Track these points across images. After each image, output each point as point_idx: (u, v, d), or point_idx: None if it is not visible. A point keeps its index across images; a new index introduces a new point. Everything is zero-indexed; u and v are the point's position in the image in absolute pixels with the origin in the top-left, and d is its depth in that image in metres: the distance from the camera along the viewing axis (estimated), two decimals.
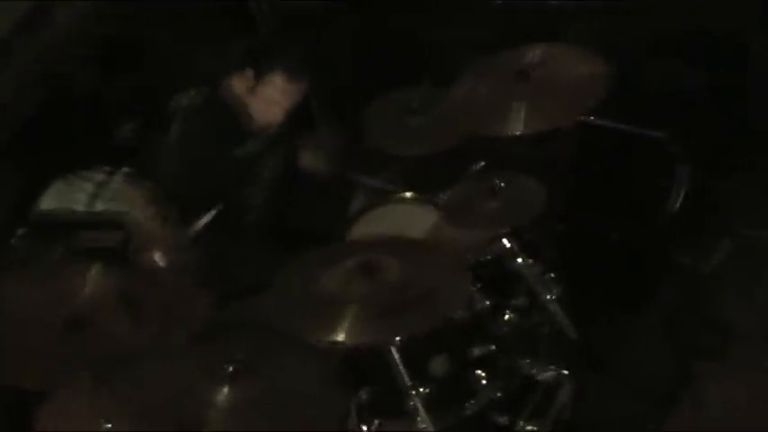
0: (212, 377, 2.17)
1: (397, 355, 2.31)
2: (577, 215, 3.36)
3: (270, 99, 2.90)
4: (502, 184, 2.66)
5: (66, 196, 3.28)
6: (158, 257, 2.83)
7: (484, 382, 2.57)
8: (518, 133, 2.67)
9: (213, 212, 2.86)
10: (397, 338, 2.31)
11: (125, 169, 3.23)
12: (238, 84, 2.91)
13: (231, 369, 2.16)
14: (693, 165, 3.39)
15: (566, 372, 2.70)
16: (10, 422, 2.98)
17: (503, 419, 2.60)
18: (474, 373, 2.58)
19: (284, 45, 2.98)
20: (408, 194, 3.10)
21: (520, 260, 2.71)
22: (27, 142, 3.64)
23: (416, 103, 3.16)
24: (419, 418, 2.37)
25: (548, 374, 2.68)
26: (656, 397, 3.21)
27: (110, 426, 2.20)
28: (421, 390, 2.31)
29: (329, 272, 2.41)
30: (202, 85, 2.93)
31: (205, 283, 2.87)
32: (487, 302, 2.64)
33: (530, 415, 2.61)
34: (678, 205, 3.37)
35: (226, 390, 2.15)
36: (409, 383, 2.30)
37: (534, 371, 2.68)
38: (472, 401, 2.57)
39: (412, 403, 2.32)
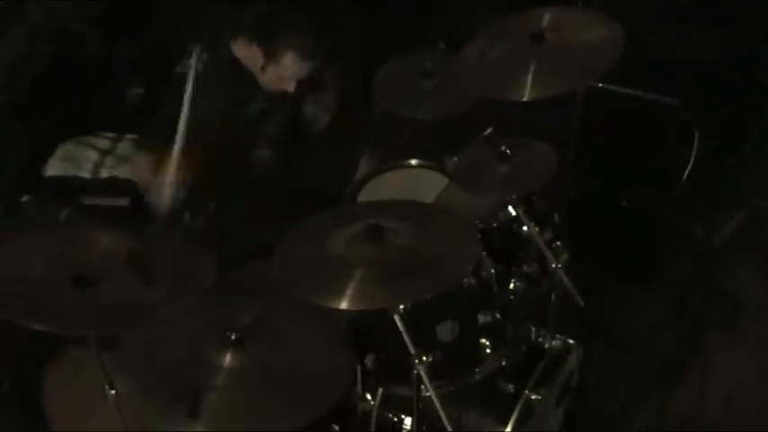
0: (217, 341, 2.16)
1: (400, 323, 2.29)
2: (589, 182, 3.33)
3: (281, 76, 2.89)
4: (508, 151, 2.62)
5: (73, 161, 3.27)
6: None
7: (488, 350, 2.55)
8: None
9: None
10: (402, 306, 2.28)
11: (131, 135, 3.21)
12: (244, 55, 2.88)
13: (234, 335, 2.14)
14: (707, 133, 3.35)
15: (572, 341, 2.69)
16: (19, 384, 3.00)
17: (509, 387, 2.58)
18: (480, 340, 2.56)
19: (294, 18, 2.92)
20: (417, 159, 3.07)
21: (528, 227, 2.68)
22: (36, 102, 3.63)
23: (429, 66, 3.11)
24: (423, 386, 2.36)
25: (555, 343, 2.66)
26: (665, 367, 3.21)
27: (113, 392, 2.19)
28: (424, 358, 2.29)
29: (336, 235, 2.38)
30: (208, 49, 2.89)
31: (213, 244, 2.86)
32: (495, 269, 2.61)
33: (536, 383, 2.59)
34: (690, 174, 3.33)
35: (230, 354, 2.14)
36: (413, 351, 2.28)
37: (541, 339, 2.67)
38: (478, 369, 2.55)
39: (415, 371, 2.31)
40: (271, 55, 2.84)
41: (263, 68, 2.87)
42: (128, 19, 3.92)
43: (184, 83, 2.85)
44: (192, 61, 2.86)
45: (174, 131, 2.85)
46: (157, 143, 2.91)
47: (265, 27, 2.87)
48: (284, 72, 2.88)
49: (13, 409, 2.98)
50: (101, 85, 3.69)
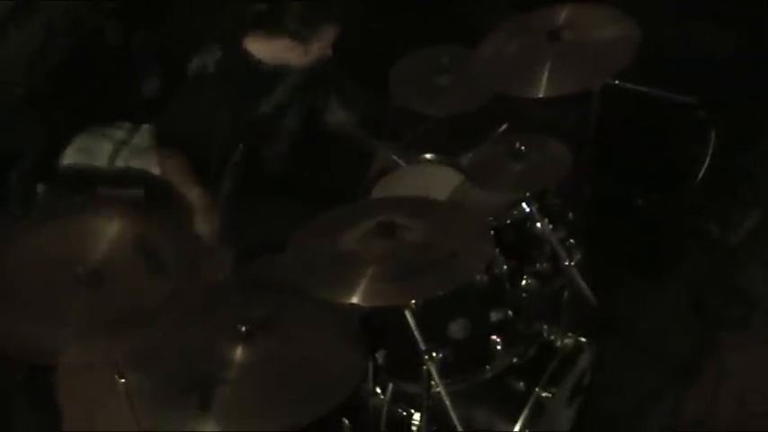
0: (229, 335, 2.16)
1: (412, 319, 2.29)
2: (604, 180, 3.31)
3: (322, 48, 2.90)
4: (522, 148, 2.62)
5: (89, 152, 3.28)
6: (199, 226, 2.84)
7: (500, 348, 2.54)
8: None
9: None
10: (413, 302, 2.28)
11: (147, 126, 3.21)
12: (265, 48, 2.89)
13: (245, 328, 2.14)
14: (723, 131, 3.33)
15: (584, 339, 2.68)
16: (31, 374, 3.02)
17: (520, 385, 2.58)
18: (491, 338, 2.56)
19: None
20: (431, 155, 3.06)
21: (542, 224, 2.67)
22: (53, 94, 3.64)
23: (445, 62, 3.11)
24: (433, 382, 2.36)
25: (566, 341, 2.66)
26: (679, 367, 3.20)
27: (123, 381, 2.20)
28: (435, 354, 2.29)
29: (349, 231, 2.38)
30: (219, 45, 2.89)
31: (226, 238, 2.87)
32: (507, 267, 2.60)
33: (547, 381, 2.59)
34: (706, 172, 3.31)
35: (241, 347, 2.14)
36: (423, 347, 2.28)
37: (553, 337, 2.66)
38: (489, 366, 2.55)
39: (425, 367, 2.31)
40: (309, 38, 2.85)
41: (303, 51, 2.88)
42: (145, 12, 3.93)
43: (196, 79, 2.85)
44: (203, 61, 2.86)
45: (186, 128, 2.85)
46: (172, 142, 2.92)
47: (306, 20, 2.86)
48: (326, 44, 2.90)
49: (26, 400, 3.00)
50: (117, 78, 3.70)
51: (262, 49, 2.90)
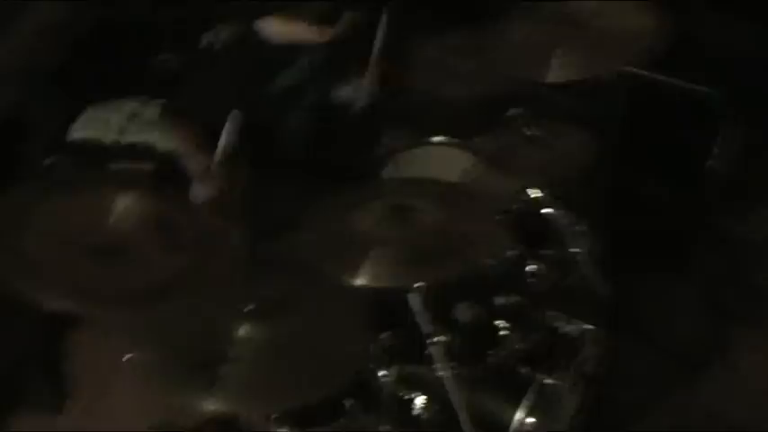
0: (238, 313, 2.17)
1: (417, 302, 2.29)
2: (620, 170, 3.29)
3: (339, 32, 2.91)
4: (535, 134, 2.61)
5: (98, 125, 3.29)
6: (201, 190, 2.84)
7: (505, 332, 2.54)
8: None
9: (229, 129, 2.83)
10: (417, 284, 2.28)
11: (158, 100, 3.21)
12: (283, 29, 2.89)
13: (252, 307, 2.15)
14: (746, 125, 3.29)
15: (591, 327, 2.67)
16: (44, 345, 3.04)
17: (524, 371, 2.57)
18: (497, 323, 2.56)
19: None
20: (445, 138, 3.05)
21: (553, 210, 2.67)
22: (76, 68, 3.65)
23: (464, 45, 3.10)
24: (438, 365, 2.36)
25: (572, 328, 2.64)
26: (692, 362, 3.17)
27: (130, 355, 2.22)
28: (439, 338, 2.30)
29: (359, 211, 2.38)
30: (232, 22, 2.89)
31: (240, 216, 2.88)
32: (516, 251, 2.60)
33: (551, 368, 2.58)
34: (727, 166, 3.28)
35: (248, 326, 2.15)
36: (428, 330, 2.29)
37: (558, 324, 2.65)
38: (493, 351, 2.55)
39: (427, 351, 2.31)
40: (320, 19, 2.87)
41: (321, 33, 2.91)
42: None
43: (206, 54, 2.85)
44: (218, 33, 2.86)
45: (194, 102, 2.86)
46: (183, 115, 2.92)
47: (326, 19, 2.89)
48: (345, 27, 2.92)
49: (39, 370, 3.03)
50: (137, 51, 3.70)
51: (276, 30, 2.90)
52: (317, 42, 2.93)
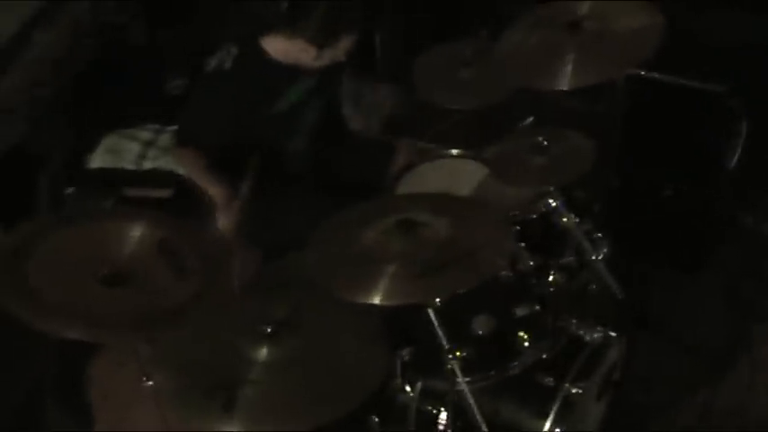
0: (253, 335, 2.16)
1: (435, 317, 2.27)
2: (633, 170, 3.28)
3: (335, 57, 2.89)
4: (545, 143, 2.59)
5: (116, 154, 3.31)
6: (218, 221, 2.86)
7: (526, 344, 2.52)
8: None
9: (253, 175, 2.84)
10: (437, 300, 2.27)
11: (172, 127, 3.22)
12: (282, 48, 2.88)
13: (269, 329, 2.14)
14: (755, 120, 3.27)
15: (614, 333, 2.64)
16: (62, 373, 3.04)
17: (548, 381, 2.55)
18: (518, 333, 2.54)
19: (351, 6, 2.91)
20: (455, 150, 3.04)
21: (568, 218, 2.65)
22: (80, 95, 3.67)
23: (469, 55, 3.09)
24: (458, 380, 2.35)
25: (595, 335, 2.62)
26: (711, 359, 3.15)
27: (150, 383, 2.21)
28: (458, 353, 2.28)
29: (370, 228, 2.37)
30: (235, 43, 2.89)
31: (250, 236, 2.88)
32: (533, 262, 2.58)
33: (576, 377, 2.56)
34: (737, 162, 3.26)
35: (266, 347, 2.14)
36: (447, 346, 2.27)
37: (581, 332, 2.63)
38: (516, 362, 2.53)
39: (449, 366, 2.29)
40: (327, 45, 2.84)
41: (316, 56, 2.86)
42: (170, 11, 3.94)
43: (213, 77, 2.85)
44: (221, 57, 2.86)
45: (203, 126, 2.86)
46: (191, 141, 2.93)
47: (324, 27, 2.84)
48: (340, 52, 2.88)
49: (57, 399, 3.03)
50: (143, 78, 3.72)
51: (278, 47, 2.89)
52: (311, 65, 2.92)
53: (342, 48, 2.86)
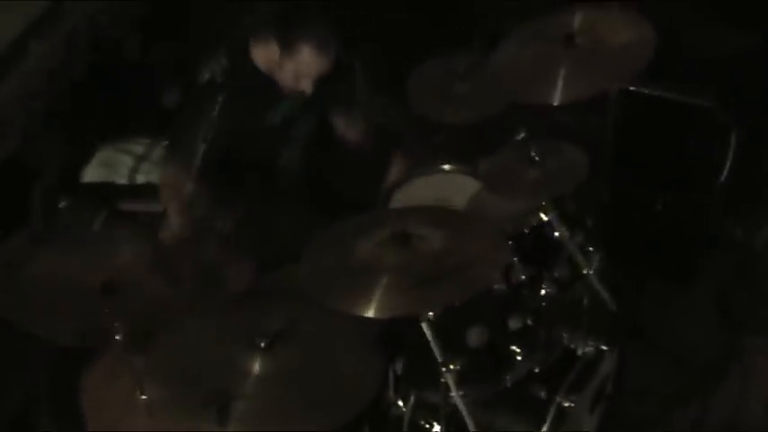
0: (247, 347, 2.17)
1: (429, 330, 2.28)
2: (625, 184, 3.29)
3: (297, 72, 2.85)
4: (537, 157, 2.61)
5: (109, 167, 3.31)
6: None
7: (520, 357, 2.53)
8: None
9: None
10: (430, 313, 2.28)
11: (165, 141, 3.22)
12: (263, 56, 2.88)
13: (263, 342, 2.15)
14: (744, 133, 3.29)
15: (606, 346, 2.66)
16: (55, 384, 3.03)
17: (541, 394, 2.56)
18: (511, 346, 2.55)
19: (310, 13, 2.89)
20: (449, 164, 3.06)
21: (560, 231, 2.66)
22: (74, 108, 3.67)
23: (463, 70, 3.11)
24: (452, 394, 2.35)
25: (588, 348, 2.64)
26: (704, 371, 3.16)
27: (144, 397, 2.22)
28: (452, 366, 2.29)
29: (364, 240, 2.38)
30: (225, 55, 2.89)
31: (243, 249, 2.88)
32: (526, 274, 2.59)
33: (568, 390, 2.57)
34: (728, 175, 3.28)
35: (259, 360, 2.15)
36: (441, 359, 2.28)
37: (573, 345, 2.64)
38: (509, 375, 2.54)
39: (443, 380, 2.30)
40: (286, 48, 2.81)
41: (279, 64, 2.84)
42: (165, 25, 3.95)
43: (204, 89, 2.85)
44: (212, 69, 2.86)
45: (194, 139, 2.86)
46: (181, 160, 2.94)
47: (281, 20, 2.83)
48: (301, 67, 2.83)
49: (50, 410, 3.02)
50: (138, 91, 3.72)
51: (258, 54, 2.90)
52: (284, 81, 2.92)
53: (304, 62, 2.83)
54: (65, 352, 2.69)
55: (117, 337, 2.17)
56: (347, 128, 3.16)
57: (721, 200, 3.38)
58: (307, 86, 2.87)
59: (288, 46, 2.80)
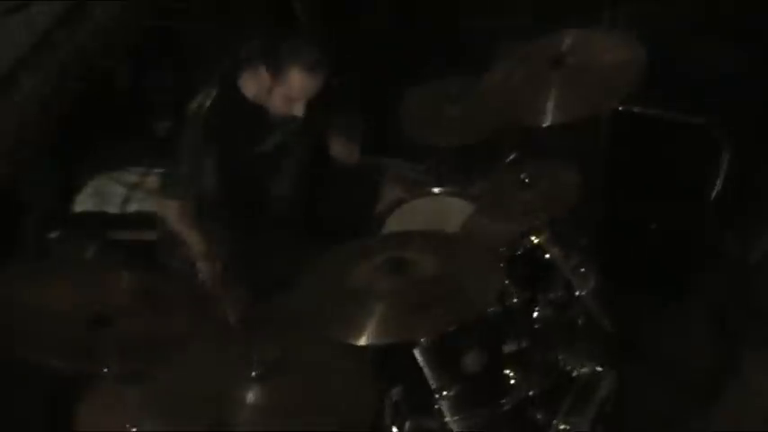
0: (242, 376, 2.16)
1: (422, 356, 2.27)
2: (618, 204, 3.29)
3: (288, 97, 2.84)
4: (527, 180, 2.61)
5: (101, 197, 3.31)
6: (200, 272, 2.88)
7: (516, 380, 2.52)
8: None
9: None
10: (423, 339, 2.26)
11: (158, 170, 3.22)
12: (252, 84, 2.88)
13: (257, 372, 2.13)
14: (735, 151, 3.30)
15: (600, 368, 2.64)
16: (48, 420, 3.02)
17: (538, 417, 2.54)
18: (507, 370, 2.54)
19: (298, 38, 2.91)
20: (441, 187, 3.06)
21: (554, 253, 2.66)
22: (66, 138, 3.67)
23: (454, 93, 3.11)
24: (448, 419, 2.34)
25: (584, 370, 2.62)
26: (702, 388, 3.15)
27: (134, 430, 2.20)
28: (445, 393, 2.27)
29: (359, 267, 2.37)
30: (215, 85, 2.89)
31: (236, 278, 2.87)
32: (521, 297, 2.59)
33: (566, 412, 2.55)
34: (722, 192, 3.28)
35: (255, 389, 2.13)
36: (435, 385, 2.26)
37: (570, 367, 2.63)
38: (506, 399, 2.52)
39: (437, 406, 2.29)
40: (276, 73, 2.80)
41: (270, 92, 2.84)
42: (156, 54, 3.96)
43: (194, 119, 2.85)
44: (202, 99, 2.86)
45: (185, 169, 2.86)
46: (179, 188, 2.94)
47: (269, 47, 2.83)
48: (291, 91, 2.82)
49: None
50: (129, 120, 3.73)
51: (247, 83, 2.90)
52: (276, 110, 2.91)
53: (295, 86, 2.81)
54: (59, 384, 2.68)
55: (106, 370, 2.15)
56: (342, 151, 3.15)
57: (715, 216, 3.39)
58: (298, 110, 2.86)
59: (277, 70, 2.79)
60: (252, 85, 2.88)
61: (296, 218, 3.08)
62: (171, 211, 2.93)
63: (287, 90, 2.82)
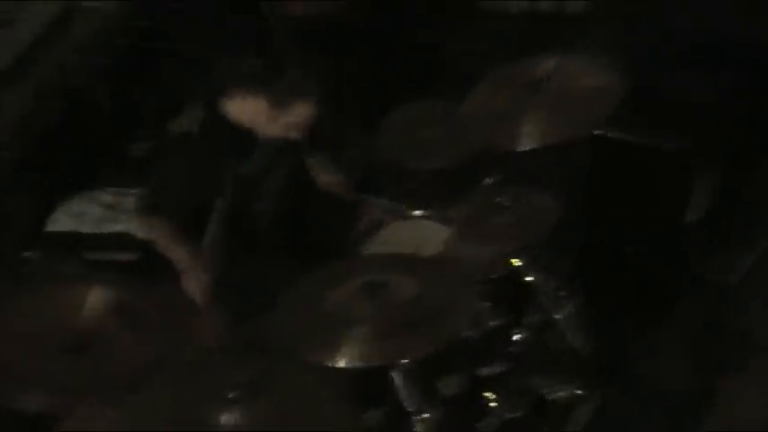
0: (218, 400, 2.14)
1: (399, 379, 2.26)
2: (596, 229, 3.30)
3: (289, 123, 2.86)
4: (505, 203, 2.62)
5: (77, 217, 3.29)
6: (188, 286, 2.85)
7: (493, 404, 2.52)
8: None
9: None
10: (402, 362, 2.26)
11: (134, 191, 3.21)
12: (242, 110, 2.88)
13: (234, 394, 2.11)
14: (715, 175, 3.32)
15: (579, 391, 2.65)
16: None
17: None
18: (484, 393, 2.54)
19: (299, 69, 2.92)
20: (420, 210, 3.06)
21: (532, 277, 2.66)
22: (43, 158, 3.65)
23: (433, 115, 3.12)
24: None
25: (561, 394, 2.62)
26: (682, 412, 3.15)
27: None
28: (423, 416, 2.27)
29: (336, 290, 2.37)
30: (201, 108, 2.89)
31: (216, 298, 2.86)
32: (499, 320, 2.59)
33: None
34: (700, 216, 3.30)
35: (230, 414, 2.11)
36: (412, 409, 2.26)
37: (547, 390, 2.63)
38: (483, 423, 2.52)
39: (414, 429, 2.28)
40: (278, 102, 2.81)
41: (269, 118, 2.84)
42: (135, 74, 3.95)
43: (178, 140, 2.84)
44: (187, 120, 2.85)
45: (168, 190, 2.85)
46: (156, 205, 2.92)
47: (265, 76, 2.85)
48: (295, 119, 2.85)
49: None
50: (107, 140, 3.71)
51: (236, 108, 2.89)
52: (266, 131, 2.91)
53: (296, 115, 2.84)
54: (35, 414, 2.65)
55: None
56: (324, 174, 3.16)
57: (695, 240, 3.40)
58: (296, 135, 2.90)
59: (280, 100, 2.81)
60: (242, 111, 2.88)
61: (278, 239, 3.07)
62: (155, 231, 2.92)
63: (291, 118, 2.84)
